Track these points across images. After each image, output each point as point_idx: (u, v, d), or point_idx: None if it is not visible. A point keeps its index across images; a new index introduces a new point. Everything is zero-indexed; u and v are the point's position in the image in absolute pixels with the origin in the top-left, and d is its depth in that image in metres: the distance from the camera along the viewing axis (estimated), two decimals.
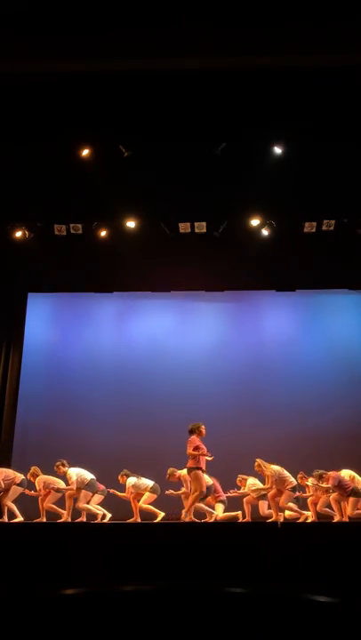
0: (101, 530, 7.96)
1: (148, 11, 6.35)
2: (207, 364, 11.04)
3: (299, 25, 6.41)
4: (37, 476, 8.83)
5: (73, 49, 6.62)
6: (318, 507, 8.51)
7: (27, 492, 8.79)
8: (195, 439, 8.10)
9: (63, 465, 8.77)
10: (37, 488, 8.80)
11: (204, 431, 8.18)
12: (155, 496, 8.72)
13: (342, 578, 6.35)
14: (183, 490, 8.60)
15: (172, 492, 8.70)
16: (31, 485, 8.87)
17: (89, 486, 8.61)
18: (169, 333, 11.44)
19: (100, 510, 8.74)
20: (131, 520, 8.60)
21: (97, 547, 6.98)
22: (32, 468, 8.90)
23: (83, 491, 8.59)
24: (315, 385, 10.75)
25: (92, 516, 8.71)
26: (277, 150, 8.74)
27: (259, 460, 8.43)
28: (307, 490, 8.80)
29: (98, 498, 8.85)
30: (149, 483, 8.76)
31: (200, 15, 6.37)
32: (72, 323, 11.68)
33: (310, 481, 8.57)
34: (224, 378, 10.90)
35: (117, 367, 11.16)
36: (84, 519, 8.79)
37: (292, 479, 8.31)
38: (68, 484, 8.63)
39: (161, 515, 8.57)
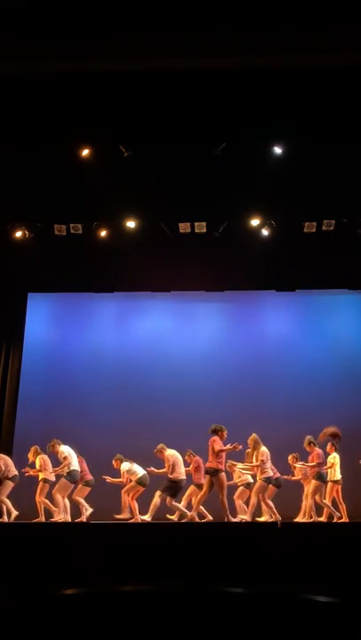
0: (101, 530, 7.96)
1: (148, 11, 6.35)
2: (207, 363, 11.04)
3: (299, 25, 6.41)
4: (39, 453, 8.89)
5: (73, 49, 6.61)
6: (318, 500, 8.56)
7: (26, 470, 8.92)
8: (218, 439, 8.16)
9: (58, 444, 8.84)
10: (38, 464, 8.82)
11: (225, 434, 8.29)
12: (142, 489, 8.67)
13: (342, 578, 6.35)
14: (164, 470, 8.56)
15: (154, 469, 8.68)
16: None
17: (69, 475, 8.59)
18: (169, 333, 11.44)
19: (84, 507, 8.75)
20: (132, 520, 8.60)
21: (97, 547, 6.99)
22: (32, 447, 8.97)
23: (62, 479, 8.60)
24: (315, 384, 10.76)
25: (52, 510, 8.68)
26: (277, 150, 8.74)
27: (255, 436, 8.47)
28: (295, 472, 8.97)
29: (84, 490, 8.87)
30: (139, 472, 8.70)
31: (200, 15, 6.37)
32: (72, 323, 11.68)
33: (299, 464, 8.79)
34: (224, 377, 10.90)
35: (117, 367, 11.16)
36: (84, 519, 8.81)
37: (270, 471, 8.39)
38: (60, 462, 8.67)
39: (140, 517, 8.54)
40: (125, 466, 8.80)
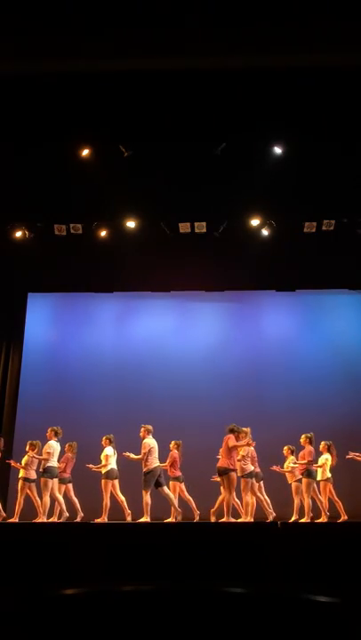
0: (101, 530, 7.96)
1: (148, 10, 6.35)
2: (207, 364, 11.03)
3: (299, 25, 6.40)
4: (33, 449, 8.88)
5: (73, 49, 6.61)
6: (314, 495, 8.56)
7: (10, 460, 9.04)
8: (233, 437, 8.20)
9: (56, 435, 8.87)
10: (24, 461, 8.82)
11: (242, 437, 8.31)
12: (110, 482, 8.66)
13: (342, 578, 6.35)
14: (139, 457, 8.55)
15: (128, 454, 8.66)
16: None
17: (47, 472, 8.61)
18: (169, 333, 11.43)
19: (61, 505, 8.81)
20: (129, 519, 8.60)
21: (97, 547, 6.98)
22: (36, 442, 8.98)
23: (42, 479, 8.63)
24: (315, 384, 10.75)
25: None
26: (277, 150, 8.74)
27: (248, 431, 8.48)
28: (285, 465, 9.04)
29: (60, 487, 8.89)
30: (110, 466, 8.70)
31: (201, 15, 6.37)
32: (72, 323, 11.67)
33: (291, 458, 8.88)
34: (224, 378, 10.89)
35: (117, 367, 11.16)
36: (81, 515, 8.84)
37: (250, 467, 8.42)
38: (41, 452, 8.75)
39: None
40: (109, 451, 8.81)
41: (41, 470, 8.71)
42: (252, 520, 8.37)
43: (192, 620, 2.23)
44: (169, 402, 10.60)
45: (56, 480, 8.76)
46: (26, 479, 8.78)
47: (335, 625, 2.27)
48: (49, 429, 8.97)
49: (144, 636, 2.21)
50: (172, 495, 8.58)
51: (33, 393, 10.88)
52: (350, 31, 6.39)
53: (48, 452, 8.71)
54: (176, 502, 8.61)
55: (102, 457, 8.81)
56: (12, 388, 10.88)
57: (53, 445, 8.81)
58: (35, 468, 8.85)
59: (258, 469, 8.71)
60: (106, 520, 8.53)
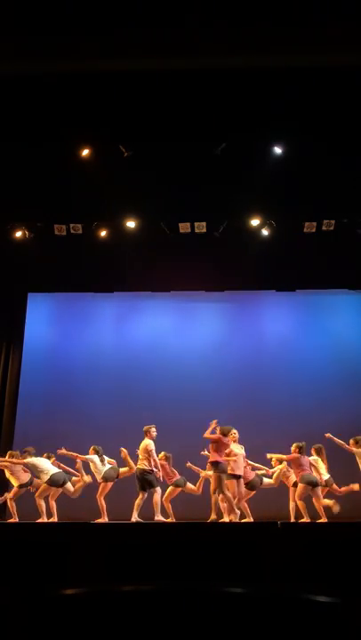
0: (101, 530, 7.96)
1: (147, 10, 6.35)
2: (207, 363, 11.03)
3: (299, 25, 6.40)
4: (12, 457, 8.84)
5: (73, 49, 6.61)
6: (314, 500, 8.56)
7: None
8: (216, 437, 8.22)
9: (49, 457, 8.80)
10: (8, 473, 8.81)
11: (232, 436, 8.44)
12: (109, 484, 8.66)
13: (342, 578, 6.34)
14: (127, 469, 8.58)
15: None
16: None
17: (53, 480, 8.54)
18: (169, 333, 11.44)
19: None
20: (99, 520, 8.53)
21: (97, 547, 6.98)
22: (15, 452, 8.96)
23: (44, 485, 8.57)
24: (315, 385, 10.75)
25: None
26: (277, 150, 8.75)
27: (235, 437, 8.50)
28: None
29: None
30: (102, 469, 8.69)
31: (201, 15, 6.37)
32: (72, 323, 11.68)
33: (280, 463, 8.81)
34: (224, 378, 10.90)
35: (117, 367, 11.16)
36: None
37: (239, 470, 8.37)
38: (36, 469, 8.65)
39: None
40: (96, 460, 8.75)
41: (47, 481, 8.55)
42: (252, 520, 8.37)
43: (192, 619, 2.23)
44: (169, 401, 10.59)
45: (59, 489, 8.69)
46: (21, 486, 8.77)
47: (335, 625, 2.27)
48: (26, 451, 8.86)
49: (144, 636, 2.21)
50: (158, 503, 8.40)
51: (33, 393, 10.89)
52: (350, 31, 6.39)
53: (27, 464, 8.64)
54: (159, 509, 8.39)
55: (92, 470, 8.79)
56: (12, 389, 10.88)
57: (34, 460, 8.66)
58: (25, 470, 8.80)
59: (250, 475, 8.63)
60: (106, 520, 8.52)
